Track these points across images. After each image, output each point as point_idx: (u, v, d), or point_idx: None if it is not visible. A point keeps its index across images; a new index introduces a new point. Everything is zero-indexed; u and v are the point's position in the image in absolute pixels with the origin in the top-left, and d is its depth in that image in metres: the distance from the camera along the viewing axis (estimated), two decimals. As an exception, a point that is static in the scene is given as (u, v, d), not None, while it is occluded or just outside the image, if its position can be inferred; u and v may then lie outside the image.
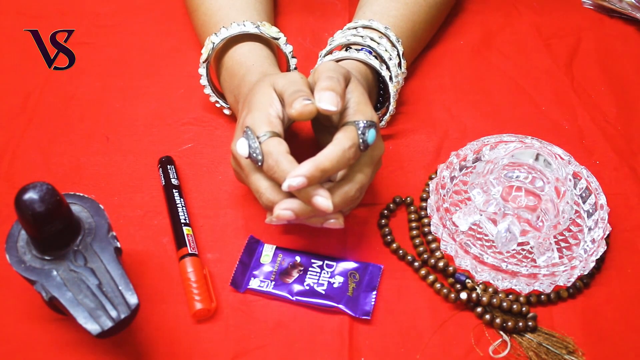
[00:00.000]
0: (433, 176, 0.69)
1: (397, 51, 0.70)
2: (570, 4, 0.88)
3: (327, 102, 0.55)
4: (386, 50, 0.69)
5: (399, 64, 0.70)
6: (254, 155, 0.56)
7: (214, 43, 0.68)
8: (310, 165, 0.54)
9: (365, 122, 0.56)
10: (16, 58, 0.81)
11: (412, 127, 0.74)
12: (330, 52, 0.70)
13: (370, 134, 0.56)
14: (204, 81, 0.71)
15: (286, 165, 0.55)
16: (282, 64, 0.71)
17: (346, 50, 0.69)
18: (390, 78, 0.69)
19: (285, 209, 0.56)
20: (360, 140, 0.56)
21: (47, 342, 0.58)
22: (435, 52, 0.82)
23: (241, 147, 0.57)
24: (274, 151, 0.55)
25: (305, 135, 0.72)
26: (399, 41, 0.70)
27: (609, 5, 0.86)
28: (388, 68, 0.69)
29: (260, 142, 0.56)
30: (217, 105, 0.73)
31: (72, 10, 0.87)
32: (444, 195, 0.64)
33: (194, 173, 0.70)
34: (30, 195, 0.49)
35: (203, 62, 0.69)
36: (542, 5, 0.88)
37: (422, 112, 0.76)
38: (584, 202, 0.64)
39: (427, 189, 0.68)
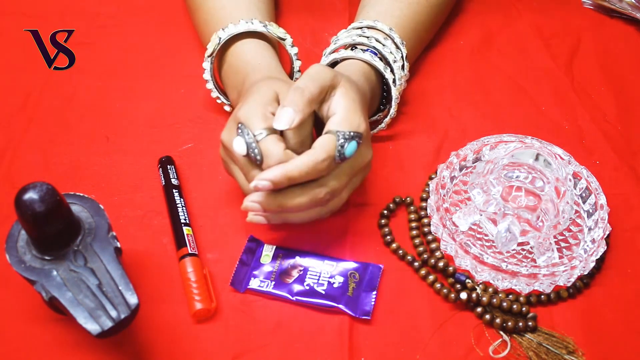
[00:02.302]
0: (433, 176, 0.69)
1: (401, 53, 0.70)
2: (570, 4, 0.88)
3: (281, 122, 0.55)
4: (391, 52, 0.69)
5: (402, 66, 0.70)
6: (253, 154, 0.56)
7: (220, 38, 0.68)
8: (279, 172, 0.55)
9: (347, 133, 0.56)
10: (16, 58, 0.81)
11: (412, 127, 0.74)
12: (335, 51, 0.70)
13: (350, 147, 0.56)
14: (207, 76, 0.70)
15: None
16: (285, 65, 0.71)
17: (352, 49, 0.69)
18: (394, 81, 0.68)
19: (252, 202, 0.58)
20: (337, 153, 0.56)
21: (47, 342, 0.58)
22: (435, 52, 0.82)
23: (238, 145, 0.57)
24: (274, 152, 0.55)
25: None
26: (403, 43, 0.70)
27: (609, 5, 0.86)
28: (392, 70, 0.69)
29: (257, 140, 0.56)
30: (218, 101, 0.73)
31: (72, 10, 0.87)
32: (444, 195, 0.64)
33: (194, 173, 0.70)
34: (30, 195, 0.49)
35: (208, 57, 0.69)
36: (542, 5, 0.88)
37: (423, 112, 0.76)
38: (584, 202, 0.64)
39: (427, 189, 0.68)
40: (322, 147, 0.56)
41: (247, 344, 0.58)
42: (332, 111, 0.58)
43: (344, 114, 0.58)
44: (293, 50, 0.71)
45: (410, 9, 0.74)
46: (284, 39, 0.70)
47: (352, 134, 0.57)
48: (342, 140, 0.56)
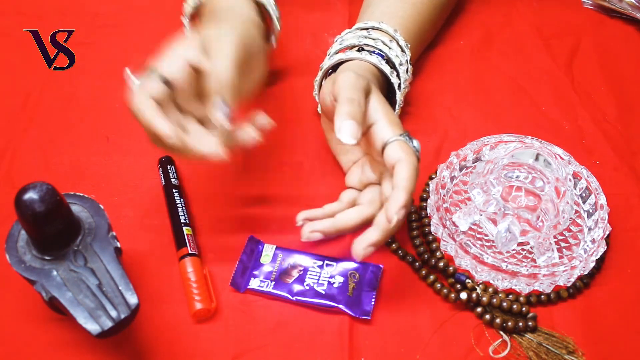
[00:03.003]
0: (433, 176, 0.68)
1: (406, 56, 0.70)
2: (570, 4, 0.88)
3: (347, 134, 0.54)
4: (397, 55, 0.68)
5: (406, 70, 0.70)
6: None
7: None
8: (403, 196, 0.54)
9: (405, 134, 0.57)
10: (16, 58, 0.81)
11: (412, 128, 0.73)
12: (341, 51, 0.70)
13: (417, 144, 0.57)
14: (185, 21, 0.71)
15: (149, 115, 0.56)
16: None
17: (358, 50, 0.68)
18: (399, 85, 0.68)
19: (314, 231, 0.61)
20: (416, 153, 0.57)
21: (47, 342, 0.58)
22: (435, 52, 0.82)
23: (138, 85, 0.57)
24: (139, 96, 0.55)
25: (306, 126, 0.72)
26: (407, 46, 0.70)
27: (609, 5, 0.86)
28: (397, 74, 0.68)
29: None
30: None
31: (72, 10, 0.87)
32: (444, 195, 0.64)
33: (194, 173, 0.70)
34: (30, 195, 0.49)
35: (187, 14, 0.69)
36: (542, 5, 0.88)
37: (423, 112, 0.76)
38: (584, 202, 0.64)
39: (427, 189, 0.68)
40: (407, 154, 0.55)
41: (247, 344, 0.58)
42: (373, 118, 0.57)
43: (390, 118, 0.57)
44: (275, 14, 0.69)
45: (414, 9, 0.74)
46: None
47: (407, 133, 0.57)
48: (411, 142, 0.57)
